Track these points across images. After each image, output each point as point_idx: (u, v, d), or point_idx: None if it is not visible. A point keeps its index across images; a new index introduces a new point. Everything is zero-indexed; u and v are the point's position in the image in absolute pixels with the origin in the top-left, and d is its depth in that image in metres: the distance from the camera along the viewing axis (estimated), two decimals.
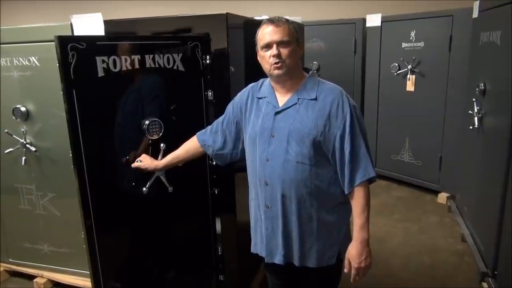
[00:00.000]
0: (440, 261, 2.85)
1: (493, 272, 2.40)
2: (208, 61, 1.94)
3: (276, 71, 1.46)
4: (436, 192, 3.91)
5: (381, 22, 4.03)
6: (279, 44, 1.44)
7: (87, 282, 2.41)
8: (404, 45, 3.88)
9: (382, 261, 2.83)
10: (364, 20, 4.21)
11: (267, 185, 1.53)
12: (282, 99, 1.54)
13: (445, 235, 3.20)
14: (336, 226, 1.57)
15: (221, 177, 2.08)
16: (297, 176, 1.48)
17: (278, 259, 1.59)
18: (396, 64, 3.94)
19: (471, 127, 2.85)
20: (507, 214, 2.27)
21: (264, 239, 1.61)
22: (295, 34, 1.48)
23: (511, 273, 2.14)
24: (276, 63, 1.44)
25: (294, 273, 1.66)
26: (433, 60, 3.70)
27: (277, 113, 1.52)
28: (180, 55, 1.88)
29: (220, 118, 1.75)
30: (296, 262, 1.58)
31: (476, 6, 3.03)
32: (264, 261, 1.66)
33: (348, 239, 1.62)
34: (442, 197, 3.81)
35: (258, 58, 1.53)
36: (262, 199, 1.57)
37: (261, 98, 1.59)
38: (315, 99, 1.48)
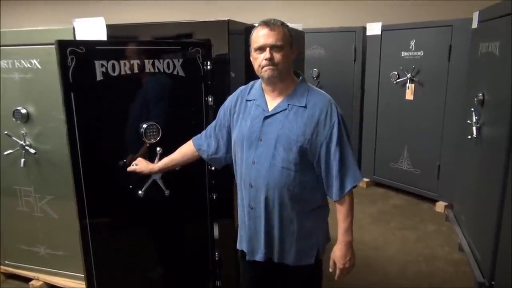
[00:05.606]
0: (437, 270, 2.84)
1: (490, 282, 2.40)
2: (209, 67, 1.96)
3: (267, 73, 1.47)
4: (434, 201, 3.91)
5: (381, 30, 4.05)
6: (273, 48, 1.45)
7: (82, 285, 2.40)
8: (403, 54, 3.90)
9: (379, 268, 2.81)
10: (364, 29, 4.24)
11: (251, 187, 1.56)
12: (272, 103, 1.55)
13: (442, 244, 3.20)
14: (315, 229, 1.61)
15: (220, 183, 2.08)
16: (282, 180, 1.51)
17: (259, 256, 1.63)
18: (396, 73, 3.96)
19: (469, 137, 2.86)
20: (504, 224, 2.27)
21: (248, 238, 1.65)
22: (289, 38, 1.49)
23: (508, 284, 2.14)
24: (267, 65, 1.45)
25: (273, 270, 1.69)
26: (432, 69, 3.72)
27: (266, 117, 1.53)
28: (181, 60, 1.89)
29: (213, 123, 1.76)
30: (275, 258, 1.63)
31: (475, 16, 3.06)
32: (246, 257, 1.69)
33: (327, 239, 1.67)
34: (440, 205, 3.81)
35: (251, 59, 1.54)
36: (246, 200, 1.60)
37: (250, 100, 1.60)
38: (305, 106, 1.50)
